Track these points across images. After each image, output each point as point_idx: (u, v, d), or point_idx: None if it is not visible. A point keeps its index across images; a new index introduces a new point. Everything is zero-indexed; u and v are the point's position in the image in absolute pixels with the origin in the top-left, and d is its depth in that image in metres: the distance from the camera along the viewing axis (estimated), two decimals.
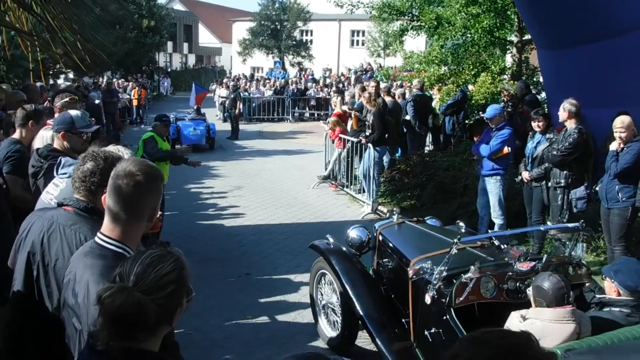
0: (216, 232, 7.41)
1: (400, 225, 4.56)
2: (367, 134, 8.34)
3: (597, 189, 5.44)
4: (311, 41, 38.76)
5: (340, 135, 9.43)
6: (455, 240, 3.43)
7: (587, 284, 3.64)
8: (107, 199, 1.83)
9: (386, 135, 8.35)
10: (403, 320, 3.74)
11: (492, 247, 3.86)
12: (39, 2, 2.53)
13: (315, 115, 21.60)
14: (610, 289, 3.32)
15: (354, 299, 3.95)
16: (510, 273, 3.39)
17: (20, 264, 2.19)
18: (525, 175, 6.12)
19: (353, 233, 4.53)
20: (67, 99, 4.59)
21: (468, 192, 7.40)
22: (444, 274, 3.32)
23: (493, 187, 6.36)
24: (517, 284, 3.34)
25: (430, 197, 7.86)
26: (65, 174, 2.69)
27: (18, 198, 3.54)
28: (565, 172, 5.64)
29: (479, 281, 3.30)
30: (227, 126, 17.38)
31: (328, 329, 4.49)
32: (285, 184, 10.47)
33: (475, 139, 7.41)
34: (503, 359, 1.15)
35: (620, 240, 5.18)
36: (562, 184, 5.65)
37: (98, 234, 1.86)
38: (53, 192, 2.68)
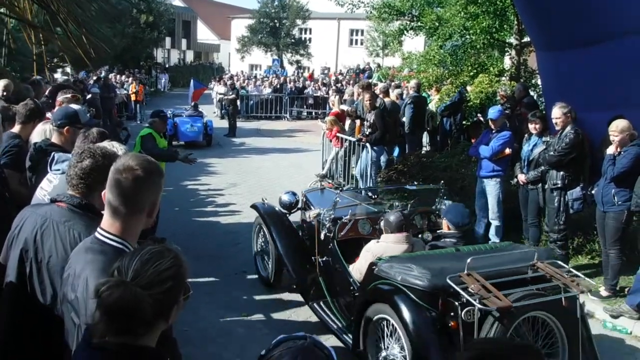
0: (212, 229, 7.41)
1: (322, 190, 5.92)
2: (367, 132, 8.36)
3: (593, 192, 5.46)
4: (310, 39, 38.73)
5: (338, 134, 9.43)
6: (337, 191, 5.16)
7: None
8: (107, 194, 1.84)
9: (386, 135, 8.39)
10: (312, 258, 4.89)
11: (375, 199, 5.67)
12: None
13: (313, 113, 21.60)
14: (445, 225, 4.53)
15: (279, 245, 5.14)
16: (382, 217, 4.50)
17: (13, 260, 2.17)
18: (522, 177, 6.12)
19: (285, 197, 5.65)
20: (69, 95, 4.58)
21: (465, 193, 7.40)
22: (332, 216, 4.75)
23: (492, 188, 6.37)
24: None
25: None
26: (58, 170, 2.66)
27: (14, 192, 3.52)
28: (561, 173, 5.65)
29: (357, 222, 4.82)
30: (225, 123, 17.35)
31: (262, 269, 5.69)
32: (282, 182, 10.46)
33: (472, 140, 7.43)
34: None
35: (615, 243, 5.21)
36: (559, 185, 5.66)
37: (98, 229, 1.86)
38: (47, 188, 2.66)
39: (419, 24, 11.24)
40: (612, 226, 5.20)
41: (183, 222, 7.74)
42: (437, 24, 10.43)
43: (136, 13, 30.43)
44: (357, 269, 4.22)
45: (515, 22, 10.24)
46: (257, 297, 5.41)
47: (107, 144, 2.63)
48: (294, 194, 5.69)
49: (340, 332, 4.28)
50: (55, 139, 3.54)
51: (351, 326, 4.11)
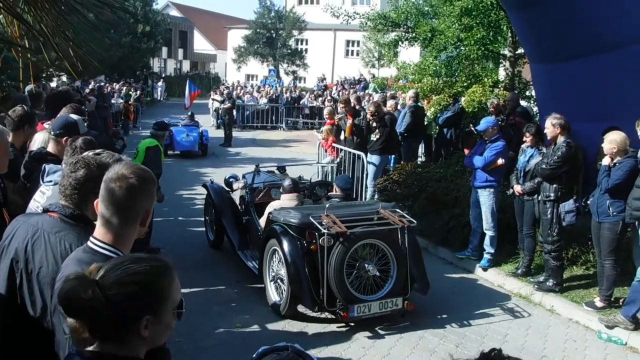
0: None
1: (258, 172, 7.00)
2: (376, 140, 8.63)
3: (588, 202, 5.47)
4: (306, 50, 38.88)
5: (334, 144, 9.44)
6: (255, 167, 6.88)
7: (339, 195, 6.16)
8: (100, 203, 1.81)
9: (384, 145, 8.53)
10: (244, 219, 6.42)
11: (285, 175, 7.19)
12: (31, 8, 2.49)
13: (309, 124, 21.64)
14: (334, 189, 6.19)
15: (220, 214, 6.60)
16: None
17: (3, 271, 2.13)
18: (518, 188, 6.12)
19: (228, 178, 7.05)
20: (73, 107, 4.56)
21: (459, 203, 7.41)
22: (252, 186, 6.53)
23: (486, 199, 6.38)
24: None
25: (421, 208, 7.86)
26: (50, 181, 2.63)
27: (9, 202, 3.49)
28: (554, 185, 5.66)
29: (270, 190, 6.46)
30: (221, 133, 17.34)
31: (210, 234, 7.11)
32: None
33: (465, 151, 7.43)
34: None
35: (610, 254, 5.21)
36: (552, 198, 5.67)
37: (91, 238, 1.83)
38: (40, 200, 2.62)
39: (414, 35, 11.31)
40: (607, 237, 5.20)
41: (178, 231, 7.70)
42: (430, 35, 10.50)
43: (133, 23, 30.46)
44: (263, 220, 5.67)
45: (509, 34, 10.32)
46: (252, 308, 5.37)
47: (99, 151, 2.59)
48: (236, 176, 7.18)
49: (255, 268, 5.69)
50: (51, 147, 3.50)
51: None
